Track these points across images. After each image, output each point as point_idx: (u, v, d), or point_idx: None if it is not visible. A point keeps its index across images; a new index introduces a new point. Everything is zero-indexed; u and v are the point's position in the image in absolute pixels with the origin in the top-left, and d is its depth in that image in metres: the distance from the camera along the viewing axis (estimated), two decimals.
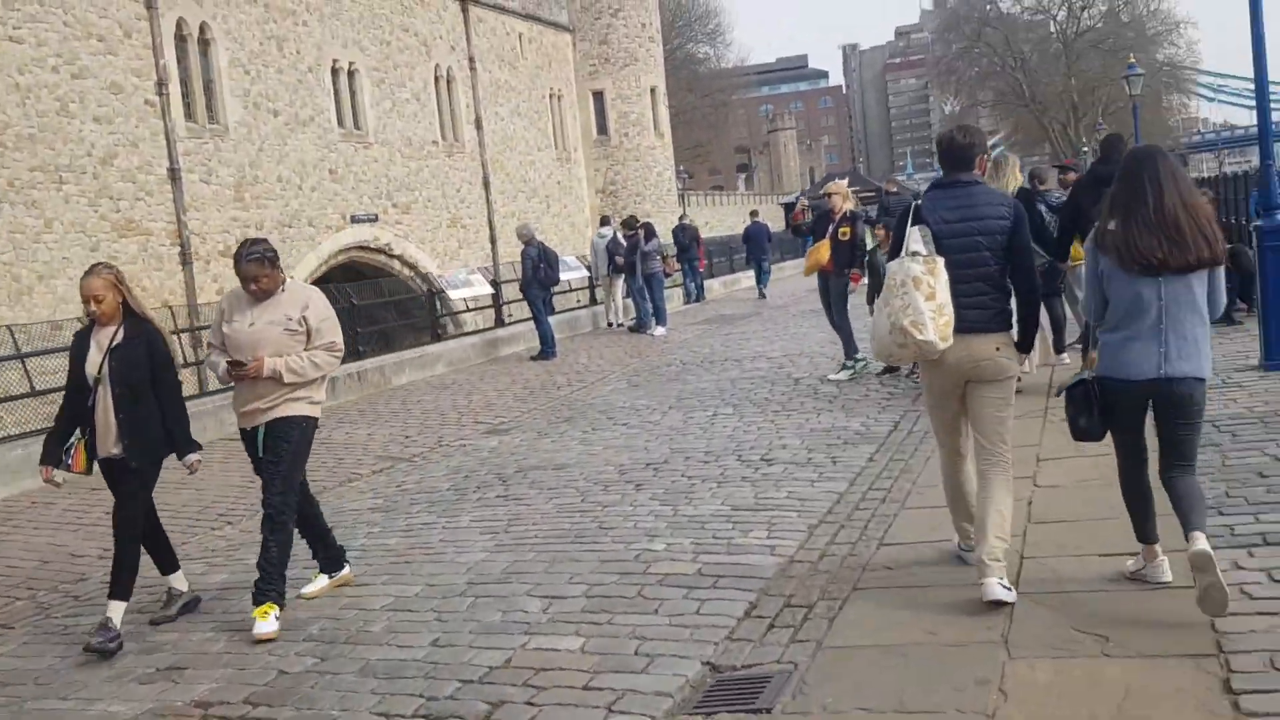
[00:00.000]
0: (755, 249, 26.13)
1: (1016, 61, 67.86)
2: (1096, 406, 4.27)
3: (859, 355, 10.91)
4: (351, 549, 6.49)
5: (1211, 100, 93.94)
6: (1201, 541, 3.91)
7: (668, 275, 19.48)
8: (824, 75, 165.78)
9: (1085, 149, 57.21)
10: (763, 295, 24.34)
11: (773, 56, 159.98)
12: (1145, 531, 4.38)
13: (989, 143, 7.39)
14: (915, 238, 4.54)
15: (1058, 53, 67.76)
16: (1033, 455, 6.88)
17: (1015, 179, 8.93)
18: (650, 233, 18.43)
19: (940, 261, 4.47)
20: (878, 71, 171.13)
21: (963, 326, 4.49)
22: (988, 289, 4.58)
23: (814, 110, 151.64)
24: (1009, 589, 4.40)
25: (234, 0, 24.32)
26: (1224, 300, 4.24)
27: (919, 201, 4.77)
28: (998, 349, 4.58)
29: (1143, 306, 4.09)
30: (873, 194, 46.17)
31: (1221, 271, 4.19)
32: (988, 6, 70.15)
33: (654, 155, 41.50)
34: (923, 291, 4.40)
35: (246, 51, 24.70)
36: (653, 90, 41.37)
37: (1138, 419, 4.28)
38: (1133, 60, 33.69)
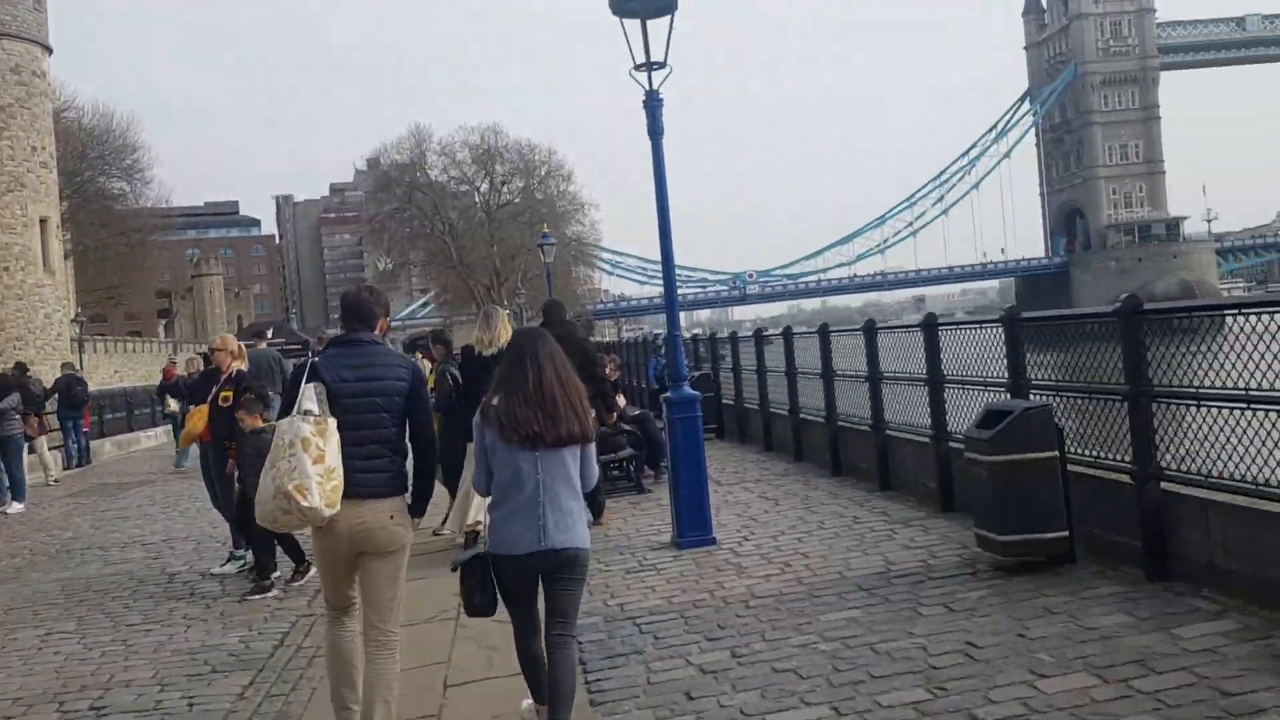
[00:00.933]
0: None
1: (445, 225, 70.97)
2: (491, 582, 4.35)
3: None
4: None
5: (610, 274, 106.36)
6: None
7: (30, 438, 16.00)
8: (256, 223, 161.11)
9: (507, 311, 60.48)
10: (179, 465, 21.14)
11: (201, 200, 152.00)
12: (539, 692, 4.48)
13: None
14: (309, 395, 4.35)
15: (482, 221, 72.01)
16: (440, 678, 5.65)
17: (506, 329, 8.24)
18: (3, 388, 15.03)
19: (332, 422, 4.32)
20: (313, 224, 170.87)
21: (354, 491, 4.35)
22: (384, 451, 4.47)
23: (246, 258, 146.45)
24: None
25: None
26: (595, 474, 4.48)
27: (316, 359, 4.62)
28: (391, 517, 4.47)
29: (522, 479, 4.25)
30: (299, 346, 44.26)
31: (592, 448, 4.43)
32: (417, 173, 72.90)
33: (43, 294, 36.06)
34: (311, 454, 4.21)
35: None
36: (43, 221, 36.16)
37: (529, 591, 4.40)
38: (546, 230, 36.02)
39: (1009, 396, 7.31)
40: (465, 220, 72.60)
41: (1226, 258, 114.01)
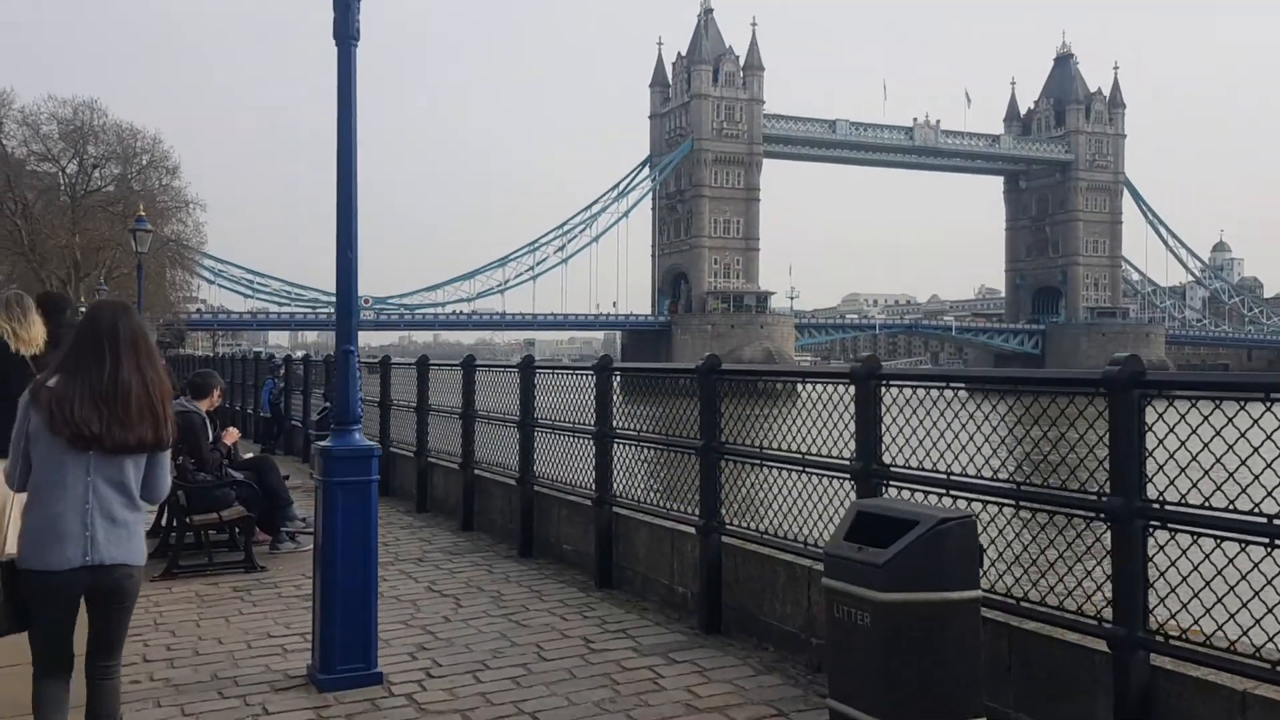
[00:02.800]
0: None
1: (18, 205, 61.01)
2: (7, 594, 3.66)
3: None
4: None
5: (212, 283, 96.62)
6: None
7: None
8: None
9: (84, 310, 52.49)
10: None
11: None
12: None
13: None
14: None
15: (65, 206, 62.73)
16: None
17: (38, 327, 6.15)
18: None
19: None
20: None
21: None
22: None
23: None
24: None
25: None
26: (166, 485, 3.86)
27: None
28: None
29: (68, 481, 3.63)
30: None
31: (166, 456, 3.83)
32: None
33: None
34: None
35: None
36: None
37: (66, 615, 3.72)
38: (143, 214, 30.48)
39: (853, 486, 5.07)
40: (45, 202, 62.81)
41: (803, 333, 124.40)
